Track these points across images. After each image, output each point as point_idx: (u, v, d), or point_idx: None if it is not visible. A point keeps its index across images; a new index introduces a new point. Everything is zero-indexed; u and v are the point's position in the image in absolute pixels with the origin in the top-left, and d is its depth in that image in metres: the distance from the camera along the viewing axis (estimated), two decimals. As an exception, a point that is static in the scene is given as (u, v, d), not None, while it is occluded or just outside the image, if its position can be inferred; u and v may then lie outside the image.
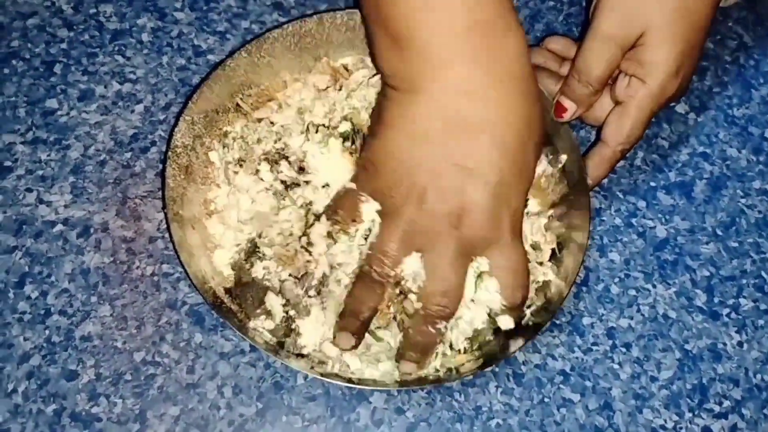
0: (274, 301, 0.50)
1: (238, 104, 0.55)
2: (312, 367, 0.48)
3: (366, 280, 0.47)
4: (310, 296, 0.50)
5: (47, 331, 0.51)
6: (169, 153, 0.51)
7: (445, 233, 0.45)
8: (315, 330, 0.50)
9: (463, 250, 0.46)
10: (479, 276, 0.48)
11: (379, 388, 0.50)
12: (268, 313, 0.50)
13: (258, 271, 0.51)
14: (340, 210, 0.49)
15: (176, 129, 0.51)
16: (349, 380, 0.48)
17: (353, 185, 0.48)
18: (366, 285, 0.47)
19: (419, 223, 0.45)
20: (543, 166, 0.56)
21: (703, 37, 0.53)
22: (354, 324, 0.47)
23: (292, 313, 0.50)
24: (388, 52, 0.45)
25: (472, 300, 0.49)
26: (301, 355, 0.49)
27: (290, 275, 0.50)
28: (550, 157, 0.56)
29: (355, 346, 0.48)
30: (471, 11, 0.42)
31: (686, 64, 0.52)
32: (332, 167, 0.52)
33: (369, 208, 0.47)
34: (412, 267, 0.47)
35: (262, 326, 0.50)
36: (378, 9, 0.45)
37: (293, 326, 0.50)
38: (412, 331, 0.48)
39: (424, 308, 0.47)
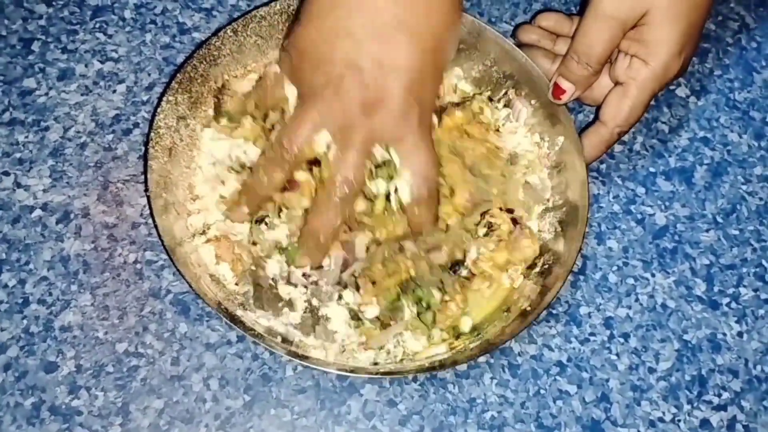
0: (291, 291, 0.49)
1: (223, 85, 0.53)
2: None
3: (275, 159, 0.48)
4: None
5: (25, 321, 0.49)
6: (152, 134, 0.49)
7: (357, 120, 0.46)
8: (341, 313, 0.49)
9: (370, 138, 0.47)
10: (386, 166, 0.48)
11: (368, 376, 0.48)
12: (290, 305, 0.49)
13: (273, 268, 0.50)
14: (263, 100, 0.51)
15: (159, 110, 0.49)
16: (342, 369, 0.46)
17: (275, 69, 0.51)
18: (273, 160, 0.49)
19: (333, 106, 0.47)
20: (543, 150, 0.55)
21: (705, 15, 0.51)
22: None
23: (314, 303, 0.49)
24: None
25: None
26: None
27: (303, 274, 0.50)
28: (548, 140, 0.54)
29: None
30: None
31: (688, 44, 0.51)
32: None
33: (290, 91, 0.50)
34: (322, 143, 0.47)
35: (287, 321, 0.49)
36: None
37: (320, 314, 0.49)
38: (311, 214, 0.49)
39: (326, 188, 0.48)
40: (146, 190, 0.48)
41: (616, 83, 0.52)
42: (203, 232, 0.50)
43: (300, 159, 0.48)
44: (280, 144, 0.48)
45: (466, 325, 0.50)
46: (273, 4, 0.53)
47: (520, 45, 0.56)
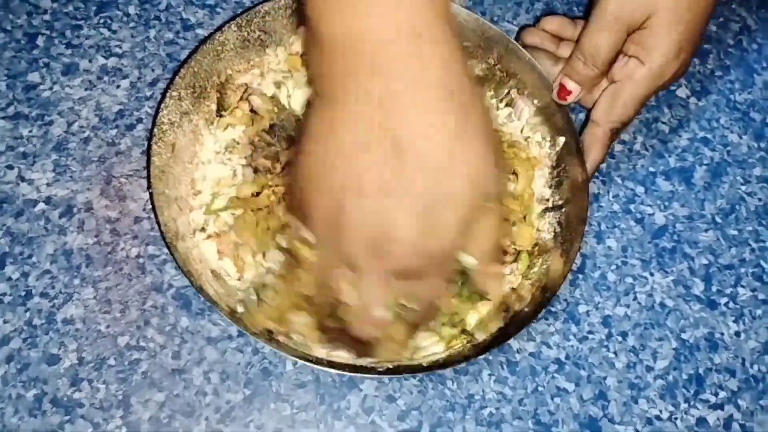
0: None
1: (227, 80, 0.54)
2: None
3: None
4: None
5: (28, 314, 0.49)
6: (155, 130, 0.49)
7: (368, 260, 0.39)
8: None
9: (385, 281, 0.40)
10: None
11: (369, 376, 0.48)
12: None
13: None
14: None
15: (162, 105, 0.50)
16: (342, 367, 0.46)
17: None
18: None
19: (341, 250, 0.40)
20: (544, 150, 0.55)
21: (707, 19, 0.52)
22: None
23: None
24: (312, 53, 0.40)
25: None
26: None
27: None
28: (548, 139, 0.55)
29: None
30: (398, 14, 0.36)
31: (687, 48, 0.51)
32: None
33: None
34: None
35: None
36: (304, 5, 0.39)
37: None
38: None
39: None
40: (149, 186, 0.48)
41: (611, 82, 0.53)
42: (203, 229, 0.50)
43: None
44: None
45: (472, 319, 0.50)
46: None
47: (524, 47, 0.56)
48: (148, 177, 0.48)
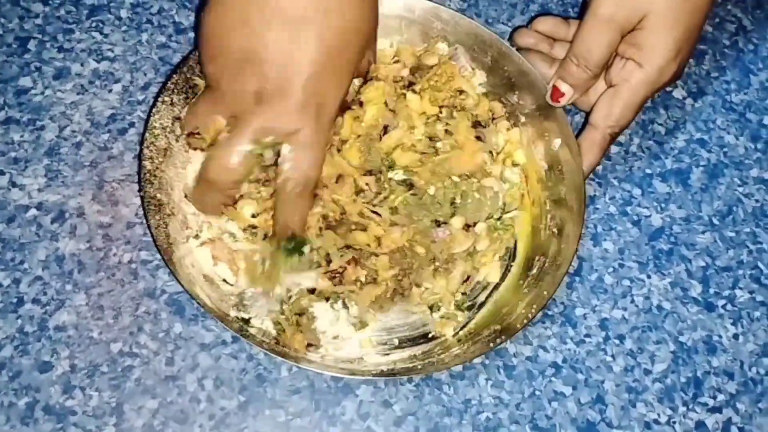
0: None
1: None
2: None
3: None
4: None
5: (20, 321, 0.48)
6: (147, 134, 0.48)
7: (250, 109, 0.46)
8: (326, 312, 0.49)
9: (261, 128, 0.46)
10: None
11: (363, 378, 0.48)
12: None
13: None
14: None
15: (154, 110, 0.49)
16: (337, 371, 0.46)
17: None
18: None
19: (227, 95, 0.46)
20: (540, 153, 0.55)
21: (702, 21, 0.51)
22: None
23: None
24: None
25: None
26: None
27: None
28: (546, 139, 0.54)
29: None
30: None
31: (684, 49, 0.51)
32: None
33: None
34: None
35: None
36: None
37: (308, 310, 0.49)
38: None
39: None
40: (140, 190, 0.47)
41: (610, 86, 0.52)
42: (197, 236, 0.50)
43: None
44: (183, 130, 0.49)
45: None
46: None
47: (518, 49, 0.56)
48: (140, 182, 0.47)
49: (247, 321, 0.48)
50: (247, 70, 0.45)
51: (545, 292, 0.49)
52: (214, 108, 0.47)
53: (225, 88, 0.46)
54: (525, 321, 0.48)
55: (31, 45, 0.57)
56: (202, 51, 0.47)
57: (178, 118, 0.51)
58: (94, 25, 0.58)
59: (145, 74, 0.57)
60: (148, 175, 0.48)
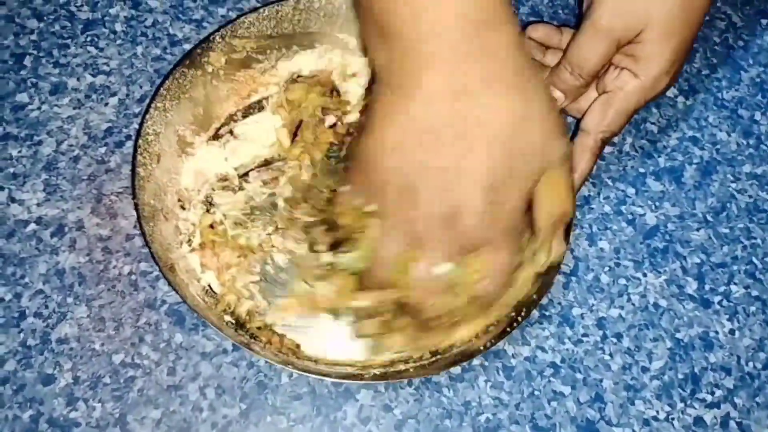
0: None
1: (212, 90, 0.54)
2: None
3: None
4: None
5: (22, 335, 0.49)
6: (140, 141, 0.49)
7: (440, 234, 0.43)
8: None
9: (457, 250, 0.43)
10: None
11: (364, 382, 0.49)
12: None
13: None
14: (341, 220, 0.47)
15: (147, 116, 0.50)
16: (337, 375, 0.47)
17: (346, 188, 0.46)
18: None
19: (413, 225, 0.43)
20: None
21: (696, 32, 0.52)
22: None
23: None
24: (377, 44, 0.42)
25: None
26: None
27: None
28: None
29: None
30: (463, 4, 0.39)
31: (679, 61, 0.51)
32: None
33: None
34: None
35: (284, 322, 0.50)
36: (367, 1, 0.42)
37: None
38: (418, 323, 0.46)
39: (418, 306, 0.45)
40: (134, 197, 0.48)
41: (602, 93, 0.53)
42: (189, 241, 0.50)
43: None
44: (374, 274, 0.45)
45: None
46: (261, 10, 0.54)
47: None
48: (133, 188, 0.48)
49: (242, 325, 0.49)
50: (426, 191, 0.42)
51: (534, 295, 0.49)
52: (407, 242, 0.44)
53: (408, 215, 0.43)
54: (515, 324, 0.48)
55: (27, 61, 0.57)
56: (372, 176, 0.44)
57: (171, 124, 0.51)
58: (89, 39, 0.59)
59: (141, 87, 0.57)
60: (141, 181, 0.48)
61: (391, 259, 0.44)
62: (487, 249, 0.44)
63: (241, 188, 0.52)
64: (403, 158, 0.42)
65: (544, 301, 0.53)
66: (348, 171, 0.47)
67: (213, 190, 0.52)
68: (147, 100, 0.57)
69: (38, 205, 0.53)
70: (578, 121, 0.55)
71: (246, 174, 0.53)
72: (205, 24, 0.60)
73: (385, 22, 0.41)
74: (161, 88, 0.51)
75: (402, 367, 0.48)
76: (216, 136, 0.54)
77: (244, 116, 0.55)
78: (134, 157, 0.49)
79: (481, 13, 0.39)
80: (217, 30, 0.53)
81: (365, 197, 0.44)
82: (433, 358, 0.48)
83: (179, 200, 0.51)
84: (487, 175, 0.41)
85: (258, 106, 0.56)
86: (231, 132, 0.54)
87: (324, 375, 0.46)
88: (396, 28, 0.40)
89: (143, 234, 0.47)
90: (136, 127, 0.56)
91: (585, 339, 0.53)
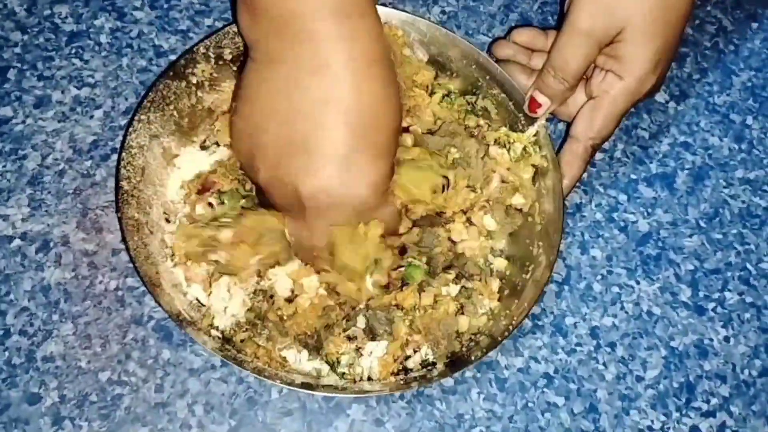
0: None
1: (197, 101, 0.53)
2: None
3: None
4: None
5: (7, 353, 0.48)
6: (123, 154, 0.48)
7: (297, 211, 0.46)
8: None
9: (321, 221, 0.46)
10: None
11: (357, 396, 0.48)
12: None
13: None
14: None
15: (131, 129, 0.49)
16: (328, 389, 0.46)
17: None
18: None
19: (280, 200, 0.46)
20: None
21: (680, 33, 0.51)
22: None
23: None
24: (247, 19, 0.45)
25: None
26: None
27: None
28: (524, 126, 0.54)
29: None
30: None
31: (663, 61, 0.51)
32: None
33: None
34: None
35: None
36: None
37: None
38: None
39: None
40: (118, 211, 0.47)
41: (590, 98, 0.52)
42: (173, 255, 0.49)
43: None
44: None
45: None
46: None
47: (497, 60, 0.56)
48: (117, 202, 0.47)
49: (228, 340, 0.48)
50: (281, 175, 0.44)
51: (525, 304, 0.48)
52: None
53: (265, 183, 0.46)
54: (506, 334, 0.47)
55: (11, 74, 0.57)
56: (240, 155, 0.48)
57: (156, 136, 0.51)
58: (73, 51, 0.58)
59: (127, 99, 0.57)
60: (125, 195, 0.48)
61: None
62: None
63: (221, 202, 0.52)
64: (260, 137, 0.45)
65: (537, 310, 0.53)
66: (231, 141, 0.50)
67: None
68: (135, 107, 0.56)
69: (23, 220, 0.52)
70: (568, 126, 0.54)
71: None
72: (191, 35, 0.59)
73: (257, 1, 0.43)
74: (145, 100, 0.50)
75: (392, 379, 0.47)
76: (202, 148, 0.53)
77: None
78: (118, 171, 0.48)
79: (345, 2, 0.42)
80: (201, 41, 0.52)
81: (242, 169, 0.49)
82: (425, 370, 0.48)
83: (165, 213, 0.50)
84: (339, 150, 0.43)
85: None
86: (217, 143, 0.53)
87: (313, 389, 0.45)
88: (267, 7, 0.43)
89: (128, 249, 0.46)
90: (122, 139, 0.55)
91: (578, 348, 0.52)
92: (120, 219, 0.47)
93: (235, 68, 0.54)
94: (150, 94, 0.50)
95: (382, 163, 0.45)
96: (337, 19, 0.42)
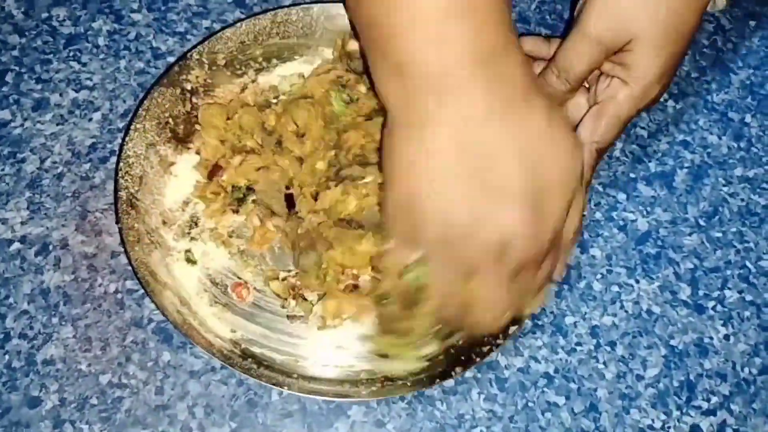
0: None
1: (192, 107, 0.53)
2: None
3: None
4: None
5: (7, 356, 0.48)
6: (121, 164, 0.48)
7: (494, 266, 0.41)
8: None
9: (512, 277, 0.42)
10: None
11: (356, 400, 0.48)
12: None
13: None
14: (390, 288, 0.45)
15: (127, 138, 0.49)
16: (326, 393, 0.46)
17: (390, 245, 0.45)
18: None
19: (462, 267, 0.42)
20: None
21: (689, 44, 0.51)
22: None
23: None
24: (389, 81, 0.42)
25: None
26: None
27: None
28: None
29: None
30: (475, 37, 0.39)
31: (669, 72, 0.51)
32: None
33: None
34: None
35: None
36: (378, 39, 0.41)
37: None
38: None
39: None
40: (117, 221, 0.47)
41: (594, 103, 0.52)
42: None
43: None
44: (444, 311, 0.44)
45: None
46: (238, 24, 0.53)
47: None
48: (116, 212, 0.47)
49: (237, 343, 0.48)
50: (468, 227, 0.40)
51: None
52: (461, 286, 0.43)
53: (454, 257, 0.42)
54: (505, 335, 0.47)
55: (9, 77, 0.57)
56: (411, 228, 0.43)
57: (152, 144, 0.51)
58: (71, 54, 0.58)
59: (125, 101, 0.56)
60: (124, 205, 0.48)
61: (451, 297, 0.43)
62: (532, 274, 0.43)
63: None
64: (435, 200, 0.41)
65: (537, 310, 0.53)
66: (385, 229, 0.45)
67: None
68: (131, 115, 0.56)
69: (22, 223, 0.52)
70: None
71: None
72: (188, 36, 0.59)
73: (395, 57, 0.40)
74: (140, 109, 0.50)
75: (390, 384, 0.47)
76: (198, 154, 0.53)
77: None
78: (116, 181, 0.48)
79: (489, 44, 0.39)
80: (194, 47, 0.52)
81: (409, 249, 0.43)
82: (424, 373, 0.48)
83: (164, 221, 0.50)
84: (524, 193, 0.40)
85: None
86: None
87: (315, 393, 0.45)
88: (408, 62, 0.40)
89: (129, 259, 0.46)
90: (120, 142, 0.55)
91: (578, 348, 0.52)
92: (120, 230, 0.47)
93: (229, 73, 0.54)
94: (145, 102, 0.50)
95: (564, 197, 0.43)
96: (488, 63, 0.40)
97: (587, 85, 0.53)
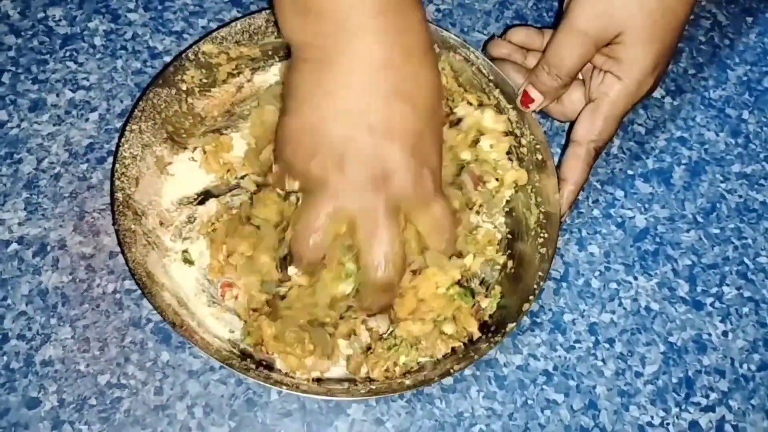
0: None
1: (188, 108, 0.53)
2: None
3: (302, 265, 0.47)
4: None
5: (5, 357, 0.48)
6: (117, 165, 0.48)
7: (372, 197, 0.45)
8: None
9: (392, 211, 0.45)
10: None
11: (355, 399, 0.48)
12: None
13: None
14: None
15: (123, 139, 0.49)
16: (325, 393, 0.46)
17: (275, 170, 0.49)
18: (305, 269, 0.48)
19: (344, 192, 0.45)
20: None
21: (678, 37, 0.51)
22: None
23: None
24: (298, 20, 0.45)
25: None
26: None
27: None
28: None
29: None
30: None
31: (662, 64, 0.51)
32: None
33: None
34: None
35: None
36: None
37: None
38: (366, 302, 0.47)
39: (369, 278, 0.46)
40: (114, 223, 0.47)
41: (589, 100, 0.52)
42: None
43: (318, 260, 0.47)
44: (299, 250, 0.47)
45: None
46: (233, 24, 0.53)
47: (492, 59, 0.55)
48: (113, 214, 0.47)
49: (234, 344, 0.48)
50: (351, 157, 0.44)
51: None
52: (335, 213, 0.45)
53: (335, 184, 0.45)
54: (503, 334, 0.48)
55: (5, 78, 0.56)
56: (295, 156, 0.46)
57: (148, 146, 0.51)
58: (68, 54, 0.58)
59: (122, 101, 0.56)
60: (121, 207, 0.48)
61: (322, 236, 0.46)
62: (419, 212, 0.46)
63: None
64: (327, 129, 0.44)
65: (535, 307, 0.53)
66: (275, 155, 0.49)
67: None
68: (127, 115, 0.56)
69: (19, 224, 0.52)
70: (568, 130, 0.54)
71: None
72: (185, 36, 0.59)
73: (305, 1, 0.44)
74: (135, 110, 0.50)
75: (389, 383, 0.47)
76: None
77: (223, 132, 0.54)
78: (112, 183, 0.48)
79: (392, 4, 0.43)
80: (189, 47, 0.52)
81: (290, 174, 0.47)
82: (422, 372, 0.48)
83: (161, 222, 0.50)
84: (412, 137, 0.45)
85: (234, 125, 0.55)
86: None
87: (315, 392, 0.45)
88: (317, 7, 0.43)
89: (126, 260, 0.46)
90: (115, 149, 0.55)
91: (577, 345, 0.52)
92: (117, 231, 0.47)
93: (224, 72, 0.54)
94: (140, 103, 0.50)
95: (440, 140, 0.49)
96: (392, 14, 0.43)
97: (581, 77, 0.53)
